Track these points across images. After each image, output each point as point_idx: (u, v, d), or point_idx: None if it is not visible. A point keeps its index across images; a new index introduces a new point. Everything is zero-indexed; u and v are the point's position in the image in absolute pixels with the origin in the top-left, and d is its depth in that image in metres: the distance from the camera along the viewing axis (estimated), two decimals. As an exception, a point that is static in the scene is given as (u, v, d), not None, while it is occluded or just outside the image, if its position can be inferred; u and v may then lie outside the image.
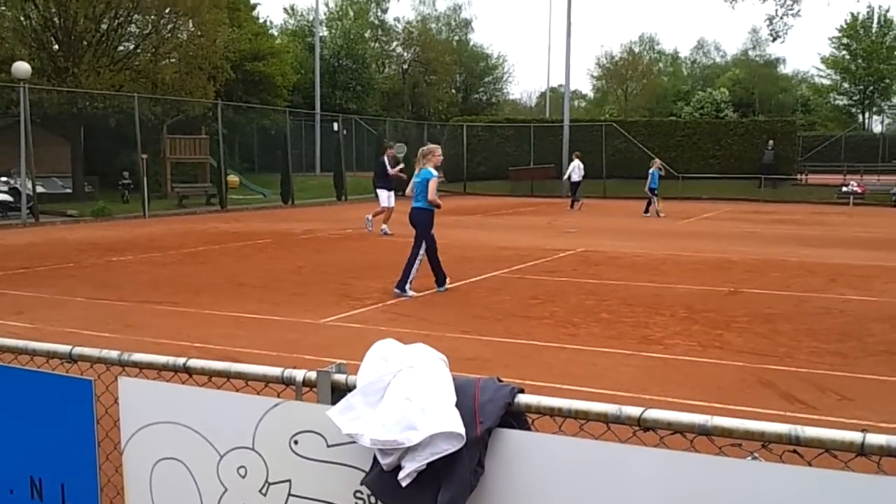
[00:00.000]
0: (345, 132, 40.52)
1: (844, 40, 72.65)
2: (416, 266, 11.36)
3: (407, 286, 11.23)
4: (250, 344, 8.24)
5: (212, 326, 9.20)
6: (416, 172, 11.55)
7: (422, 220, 11.41)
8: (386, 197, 19.93)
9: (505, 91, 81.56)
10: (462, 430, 2.24)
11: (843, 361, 7.71)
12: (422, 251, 11.41)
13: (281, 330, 9.05)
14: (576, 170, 30.51)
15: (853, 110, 75.14)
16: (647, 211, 26.86)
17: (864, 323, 9.51)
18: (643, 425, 2.21)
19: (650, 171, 26.97)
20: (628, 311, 10.17)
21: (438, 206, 11.49)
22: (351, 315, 9.88)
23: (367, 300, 10.86)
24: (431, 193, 11.23)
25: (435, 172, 11.46)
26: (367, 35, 64.95)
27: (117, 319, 9.53)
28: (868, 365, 7.59)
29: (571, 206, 29.96)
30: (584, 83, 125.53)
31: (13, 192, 24.02)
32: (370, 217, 20.14)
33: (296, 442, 2.56)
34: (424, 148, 11.88)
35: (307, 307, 10.35)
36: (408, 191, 11.84)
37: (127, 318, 9.60)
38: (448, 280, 11.73)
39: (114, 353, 2.92)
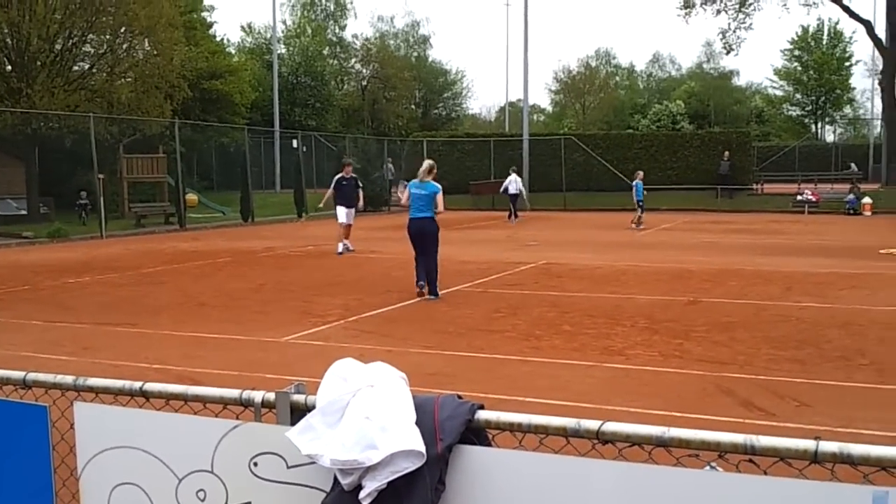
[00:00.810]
0: (304, 149, 40.39)
1: (796, 52, 74.17)
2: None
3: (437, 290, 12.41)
4: (211, 364, 8.16)
5: (171, 347, 9.10)
6: (417, 184, 12.43)
7: (434, 228, 12.40)
8: (344, 214, 19.19)
9: (464, 106, 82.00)
10: (422, 448, 2.24)
11: (801, 368, 7.82)
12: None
13: (242, 349, 8.97)
14: (512, 183, 31.45)
15: (806, 120, 76.59)
16: (639, 223, 26.58)
17: (820, 329, 9.66)
18: (602, 438, 2.22)
19: (634, 182, 27.01)
20: (590, 323, 10.24)
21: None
22: (313, 332, 9.83)
23: (328, 317, 10.81)
24: (442, 205, 12.42)
25: (439, 186, 12.46)
26: (325, 52, 64.91)
27: (74, 342, 9.39)
28: (825, 371, 7.71)
29: (509, 219, 30.89)
30: (542, 97, 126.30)
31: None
32: (344, 242, 19.18)
33: (255, 464, 2.53)
34: (429, 163, 12.72)
35: (269, 326, 10.27)
36: (404, 200, 13.01)
37: (84, 341, 9.46)
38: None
39: (69, 379, 2.88)
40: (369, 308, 11.48)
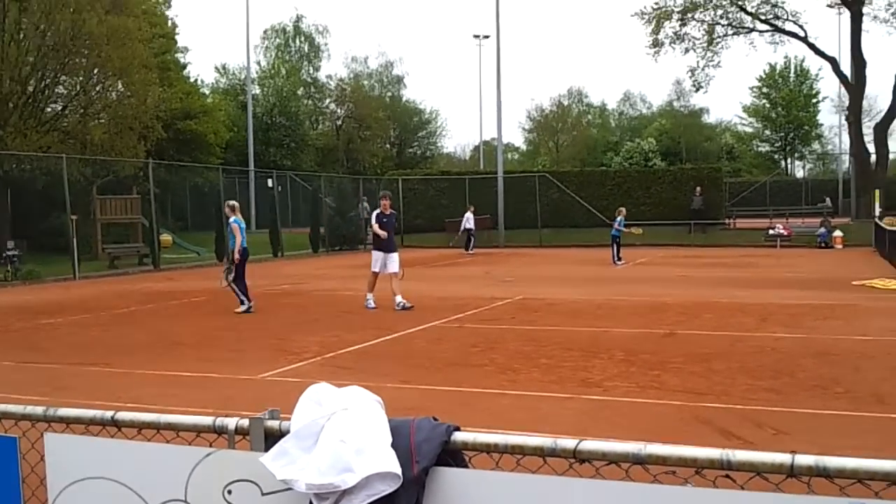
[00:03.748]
0: (280, 188, 40.36)
1: (764, 90, 75.39)
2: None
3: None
4: (185, 402, 8.05)
5: (146, 386, 8.99)
6: (238, 220, 15.65)
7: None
8: (381, 260, 15.51)
9: (439, 145, 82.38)
10: (398, 470, 2.22)
11: (778, 397, 7.85)
12: None
13: (217, 387, 8.88)
14: (469, 220, 34.81)
15: (776, 156, 77.65)
16: (617, 259, 26.57)
17: (795, 359, 9.71)
18: (578, 457, 2.22)
19: (617, 218, 27.12)
20: (567, 356, 10.23)
21: None
22: (289, 369, 9.75)
23: (305, 354, 10.73)
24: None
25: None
26: (299, 92, 65.13)
27: (47, 382, 9.25)
28: (801, 399, 7.74)
29: (468, 249, 33.92)
30: (516, 136, 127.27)
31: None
32: (370, 296, 15.60)
33: (229, 492, 2.50)
34: (235, 203, 16.37)
35: (245, 363, 10.18)
36: (238, 243, 15.42)
37: (57, 381, 9.32)
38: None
39: (39, 409, 2.84)
40: (346, 344, 11.42)
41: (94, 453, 2.72)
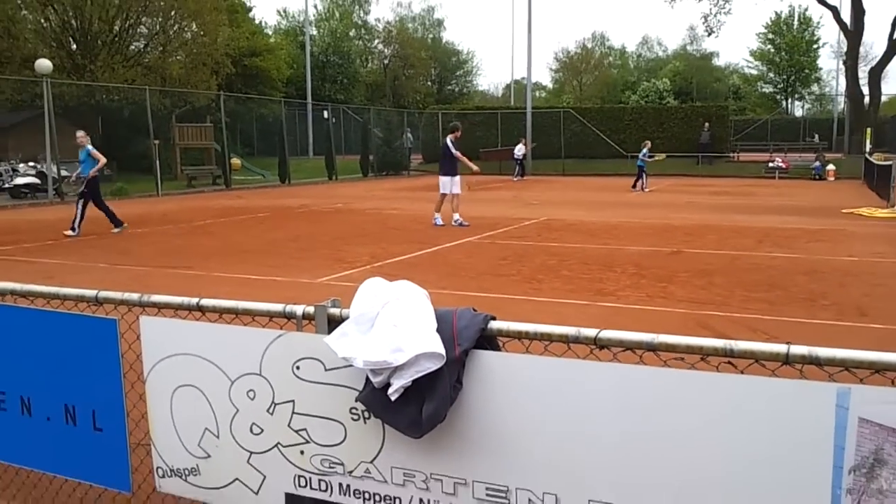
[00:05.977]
0: (333, 120, 40.16)
1: (770, 35, 72.93)
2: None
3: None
4: (256, 300, 8.19)
5: (221, 286, 9.16)
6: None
7: None
8: (449, 183, 15.39)
9: (474, 83, 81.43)
10: (443, 351, 2.26)
11: (771, 307, 7.81)
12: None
13: (281, 289, 9.03)
14: (520, 150, 34.54)
15: (778, 97, 75.52)
16: (635, 186, 26.09)
17: (788, 276, 9.63)
18: (599, 344, 2.24)
19: (643, 150, 26.53)
20: (585, 269, 10.23)
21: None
22: (344, 275, 9.86)
23: (357, 263, 10.84)
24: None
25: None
26: (351, 34, 64.32)
27: (137, 282, 9.45)
28: (792, 310, 7.70)
29: (520, 176, 33.77)
30: (544, 75, 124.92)
31: (40, 175, 23.58)
32: (438, 215, 15.48)
33: (297, 367, 2.57)
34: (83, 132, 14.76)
35: (304, 269, 10.32)
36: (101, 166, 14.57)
37: (145, 281, 9.52)
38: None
39: (135, 296, 2.92)
40: (392, 255, 11.50)
41: (182, 333, 2.80)
